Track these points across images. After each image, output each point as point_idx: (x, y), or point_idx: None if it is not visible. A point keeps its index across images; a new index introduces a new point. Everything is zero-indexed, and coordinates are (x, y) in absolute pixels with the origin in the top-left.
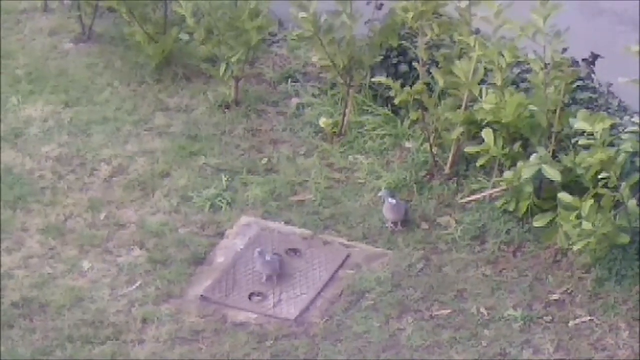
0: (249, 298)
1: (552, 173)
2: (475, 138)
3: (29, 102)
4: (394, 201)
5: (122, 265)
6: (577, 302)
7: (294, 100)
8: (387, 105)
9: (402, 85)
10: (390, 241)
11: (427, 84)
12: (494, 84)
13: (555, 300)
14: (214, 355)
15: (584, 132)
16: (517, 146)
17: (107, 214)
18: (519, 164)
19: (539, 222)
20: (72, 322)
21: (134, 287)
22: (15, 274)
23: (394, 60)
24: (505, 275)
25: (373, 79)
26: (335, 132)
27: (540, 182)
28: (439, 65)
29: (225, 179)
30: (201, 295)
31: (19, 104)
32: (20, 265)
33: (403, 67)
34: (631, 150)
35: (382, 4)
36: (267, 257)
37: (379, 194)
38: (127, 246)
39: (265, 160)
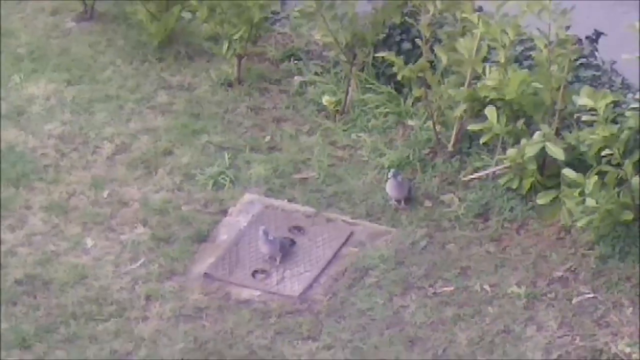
0: (253, 275)
1: (556, 151)
2: (479, 116)
3: (32, 81)
4: (397, 179)
5: (125, 242)
6: (581, 279)
7: (297, 79)
8: (390, 83)
9: (405, 63)
10: (394, 219)
11: (431, 62)
12: (498, 61)
13: (558, 277)
14: (217, 332)
15: (588, 109)
16: (520, 124)
17: (110, 191)
18: (523, 141)
19: (542, 199)
20: (75, 299)
21: (137, 264)
22: (19, 252)
23: (397, 38)
24: (508, 253)
25: (377, 54)
26: (338, 110)
27: (543, 159)
28: (442, 43)
29: (228, 156)
30: (205, 273)
31: (21, 83)
32: (24, 242)
33: (406, 45)
34: (634, 127)
35: None
36: (270, 237)
37: (389, 175)
38: (130, 224)
39: (268, 138)
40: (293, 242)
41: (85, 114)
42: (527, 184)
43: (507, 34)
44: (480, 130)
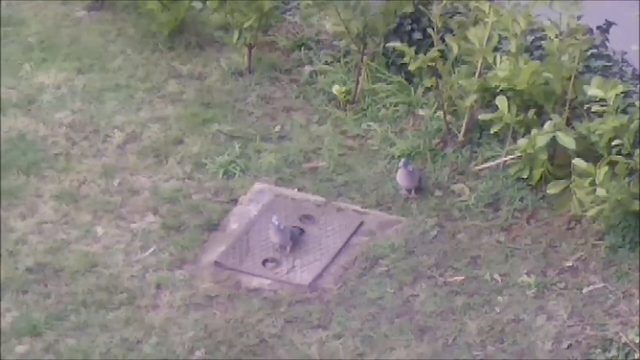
0: (263, 264)
1: (567, 140)
2: (489, 106)
3: (42, 70)
4: (408, 168)
5: (136, 231)
6: (591, 269)
7: (307, 68)
8: (400, 73)
9: (416, 53)
10: (404, 208)
11: (441, 52)
12: (509, 51)
13: (569, 267)
14: (227, 320)
15: (598, 99)
16: (531, 114)
17: (120, 180)
18: (533, 131)
19: (552, 189)
20: (86, 287)
21: (148, 253)
22: (29, 240)
23: (408, 28)
24: (519, 243)
25: (388, 45)
26: (348, 99)
27: (554, 149)
28: (454, 33)
29: (239, 146)
30: (215, 261)
31: (32, 71)
32: (34, 230)
33: (417, 35)
34: None
35: None
36: (281, 227)
37: (399, 164)
38: (140, 212)
39: (278, 127)
40: (302, 231)
41: (96, 103)
42: (537, 173)
43: (519, 23)
44: (491, 120)
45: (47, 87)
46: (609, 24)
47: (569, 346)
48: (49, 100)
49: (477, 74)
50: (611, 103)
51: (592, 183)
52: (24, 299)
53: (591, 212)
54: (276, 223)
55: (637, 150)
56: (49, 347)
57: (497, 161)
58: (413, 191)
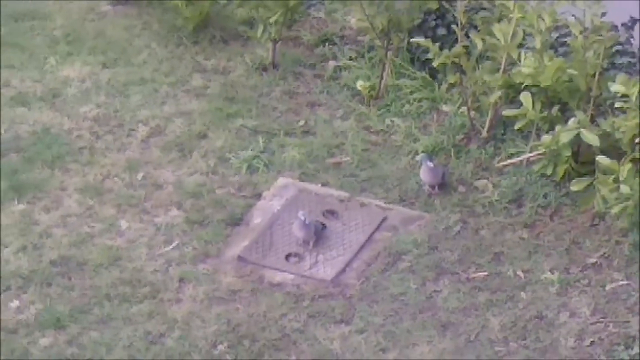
0: (286, 259)
1: (591, 137)
2: (513, 102)
3: (67, 63)
4: (431, 164)
5: (159, 225)
6: (614, 266)
7: (332, 63)
8: (424, 69)
9: (441, 49)
10: (428, 204)
11: (466, 47)
12: (533, 47)
13: (592, 264)
14: (250, 315)
15: (622, 96)
16: (555, 110)
17: (144, 174)
18: (557, 128)
19: (576, 186)
20: (109, 280)
21: (171, 247)
22: (54, 233)
23: (432, 23)
24: (542, 239)
25: (412, 40)
26: (372, 95)
27: (578, 146)
28: (478, 29)
29: (263, 140)
30: (238, 256)
31: (57, 65)
32: (59, 224)
33: (441, 30)
34: None
35: None
36: (306, 222)
37: (417, 158)
38: (164, 206)
39: (302, 122)
40: (324, 226)
41: (120, 97)
42: (561, 170)
43: (543, 20)
44: (515, 116)
45: (72, 80)
46: (634, 21)
47: (592, 343)
48: (73, 94)
49: (501, 70)
50: (633, 100)
51: (616, 180)
52: (48, 292)
53: (615, 209)
54: (302, 218)
55: None
56: (72, 340)
57: (521, 157)
58: (436, 187)
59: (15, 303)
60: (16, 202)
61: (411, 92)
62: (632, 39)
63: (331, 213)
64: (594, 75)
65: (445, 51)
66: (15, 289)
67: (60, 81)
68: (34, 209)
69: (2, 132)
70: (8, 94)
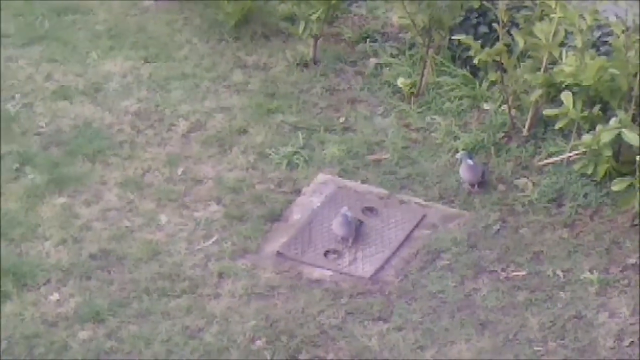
0: (325, 255)
1: (632, 137)
2: (554, 101)
3: (109, 58)
4: (471, 162)
5: (198, 220)
6: None
7: (372, 60)
8: (465, 67)
9: (482, 47)
10: (467, 202)
11: (507, 46)
12: (575, 46)
13: (632, 264)
14: (289, 311)
15: None
16: (596, 109)
17: (184, 169)
18: (598, 127)
19: (617, 186)
20: (149, 275)
21: (210, 242)
22: (94, 227)
23: (474, 21)
24: (582, 239)
25: (454, 37)
26: (413, 92)
27: (619, 146)
28: (520, 27)
29: (303, 136)
30: (277, 252)
31: (98, 59)
32: (99, 217)
33: (483, 29)
34: None
35: None
36: (349, 218)
37: (457, 155)
38: (204, 201)
39: (342, 119)
40: (361, 223)
41: (161, 92)
42: (602, 170)
43: (585, 19)
44: (556, 115)
45: (113, 75)
46: None
47: (631, 343)
48: (115, 88)
49: (542, 69)
50: None
51: None
52: (87, 285)
53: None
54: (346, 215)
55: None
56: (111, 334)
57: (562, 157)
58: (476, 185)
59: (55, 296)
60: (57, 196)
61: (452, 90)
62: None
63: (370, 210)
64: (635, 75)
65: (487, 49)
66: (55, 282)
67: (102, 75)
68: (75, 203)
69: (44, 125)
70: (50, 87)
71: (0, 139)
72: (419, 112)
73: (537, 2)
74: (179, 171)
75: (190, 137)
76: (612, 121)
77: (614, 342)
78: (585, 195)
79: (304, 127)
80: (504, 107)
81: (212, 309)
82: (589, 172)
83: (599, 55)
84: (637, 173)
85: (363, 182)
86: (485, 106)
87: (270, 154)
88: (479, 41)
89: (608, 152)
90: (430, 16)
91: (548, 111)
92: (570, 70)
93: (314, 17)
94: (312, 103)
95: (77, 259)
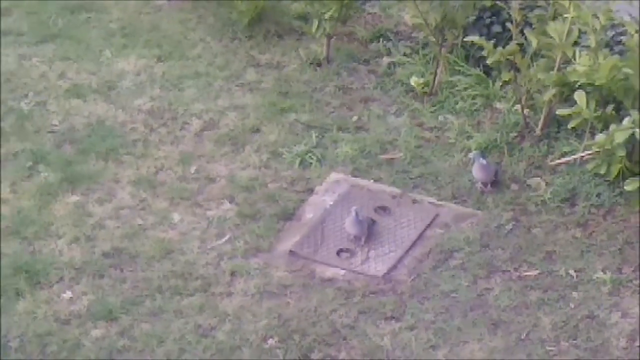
0: (338, 254)
1: None
2: (568, 100)
3: (122, 56)
4: (484, 162)
5: (211, 218)
6: None
7: (385, 59)
8: (478, 66)
9: (495, 46)
10: (480, 202)
11: (520, 45)
12: (588, 46)
13: None
14: (301, 309)
15: None
16: (610, 109)
17: (197, 167)
18: (612, 127)
19: (630, 186)
20: (161, 273)
21: (223, 240)
22: (107, 225)
23: (487, 21)
24: (595, 239)
25: (466, 39)
26: (426, 91)
27: (632, 145)
28: (533, 26)
29: (316, 135)
30: (290, 250)
31: (112, 58)
32: (112, 216)
33: (496, 28)
34: None
35: None
36: (359, 218)
37: (469, 155)
38: (217, 200)
39: (355, 118)
40: (374, 222)
41: (175, 90)
42: (615, 170)
43: (598, 18)
44: (569, 114)
45: (127, 73)
46: None
47: None
48: (128, 86)
49: (555, 68)
50: None
51: None
52: (100, 284)
53: None
54: (355, 214)
55: None
56: (123, 332)
57: (575, 156)
58: (489, 185)
59: (67, 294)
60: (70, 194)
61: (465, 89)
62: None
63: (383, 209)
64: None
65: (500, 49)
66: (68, 280)
67: (115, 74)
68: (88, 201)
69: (58, 123)
70: (64, 86)
71: (13, 137)
72: (432, 112)
73: (551, 1)
74: (192, 170)
75: (203, 135)
76: (626, 121)
77: (627, 342)
78: (598, 195)
79: (317, 126)
80: (517, 106)
81: (225, 308)
82: (602, 171)
83: (612, 54)
84: None
85: (376, 181)
86: (499, 105)
87: (283, 153)
88: (492, 41)
89: (621, 152)
90: (442, 15)
91: (561, 111)
92: (584, 69)
93: (327, 15)
94: (325, 102)
95: (90, 257)
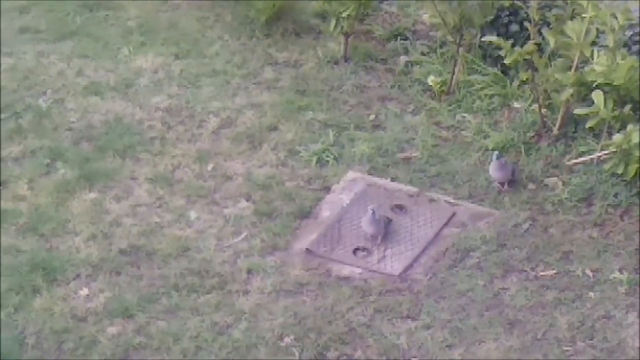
0: (354, 253)
1: None
2: (585, 100)
3: (140, 54)
4: (501, 161)
5: (228, 216)
6: None
7: (403, 58)
8: (496, 65)
9: (513, 45)
10: (497, 201)
11: (538, 45)
12: (606, 46)
13: None
14: (317, 308)
15: None
16: (627, 109)
17: (214, 165)
18: (629, 127)
19: None
20: (178, 270)
21: (239, 238)
22: (124, 222)
23: (505, 20)
24: (611, 238)
25: (484, 38)
26: (443, 90)
27: None
28: (551, 26)
29: (333, 134)
30: (306, 249)
31: (130, 55)
32: (129, 213)
33: (514, 27)
34: None
35: None
36: (376, 216)
37: (493, 157)
38: (233, 198)
39: (372, 116)
40: (390, 221)
41: (192, 88)
42: (632, 169)
43: (617, 18)
44: (587, 114)
45: (144, 71)
46: None
47: None
48: (146, 84)
49: (573, 68)
50: None
51: None
52: (116, 281)
53: None
54: (372, 212)
55: None
56: (140, 329)
57: (592, 156)
58: (506, 184)
59: (84, 291)
60: (87, 191)
61: (482, 88)
62: None
63: (400, 208)
64: None
65: (518, 48)
66: (85, 277)
67: (133, 71)
68: (105, 198)
69: (75, 121)
70: (82, 83)
71: (31, 134)
72: (449, 110)
73: (569, 1)
74: (209, 167)
75: (221, 133)
76: None
77: None
78: (616, 195)
79: (334, 125)
80: (535, 106)
81: (241, 306)
82: (620, 171)
83: (630, 54)
84: None
85: (393, 179)
86: (516, 105)
87: (300, 151)
88: (510, 40)
89: (638, 152)
90: (461, 15)
91: (579, 110)
92: (602, 69)
93: (344, 14)
94: (343, 100)
95: (107, 255)
